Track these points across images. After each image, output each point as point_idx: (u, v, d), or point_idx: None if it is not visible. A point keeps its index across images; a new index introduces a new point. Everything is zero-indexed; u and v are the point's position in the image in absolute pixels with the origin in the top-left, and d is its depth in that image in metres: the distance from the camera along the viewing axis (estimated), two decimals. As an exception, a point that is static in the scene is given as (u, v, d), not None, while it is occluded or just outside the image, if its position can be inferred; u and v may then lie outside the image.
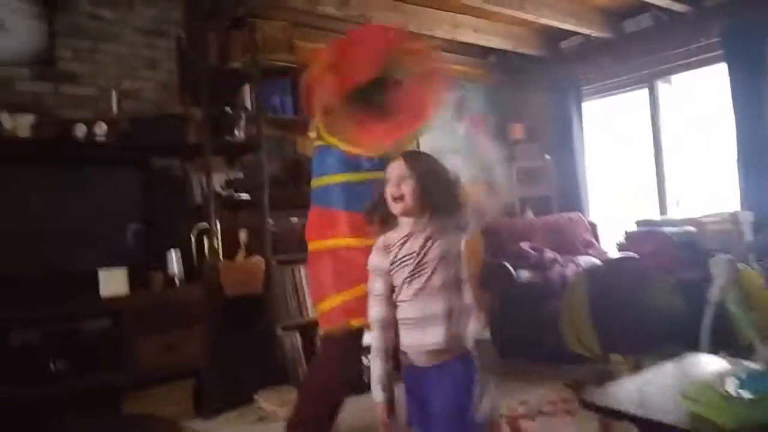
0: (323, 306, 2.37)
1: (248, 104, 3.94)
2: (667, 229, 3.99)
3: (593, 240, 4.72)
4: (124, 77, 3.69)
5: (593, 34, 4.92)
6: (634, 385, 1.64)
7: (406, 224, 1.58)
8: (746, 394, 1.21)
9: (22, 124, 3.20)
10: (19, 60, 3.36)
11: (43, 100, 3.40)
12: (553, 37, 5.25)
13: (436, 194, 1.55)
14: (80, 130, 3.31)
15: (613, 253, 4.35)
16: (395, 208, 1.56)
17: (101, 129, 3.35)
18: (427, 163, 1.61)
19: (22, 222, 3.10)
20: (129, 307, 3.08)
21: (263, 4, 3.82)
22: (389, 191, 1.56)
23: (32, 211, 3.15)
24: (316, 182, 2.48)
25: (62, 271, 3.11)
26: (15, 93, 3.33)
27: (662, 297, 3.14)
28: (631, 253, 3.90)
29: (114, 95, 3.51)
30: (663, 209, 4.87)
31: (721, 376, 1.35)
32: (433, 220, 1.55)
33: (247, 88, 3.94)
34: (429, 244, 1.53)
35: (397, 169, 1.57)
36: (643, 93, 5.08)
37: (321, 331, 2.55)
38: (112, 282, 3.10)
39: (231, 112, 3.73)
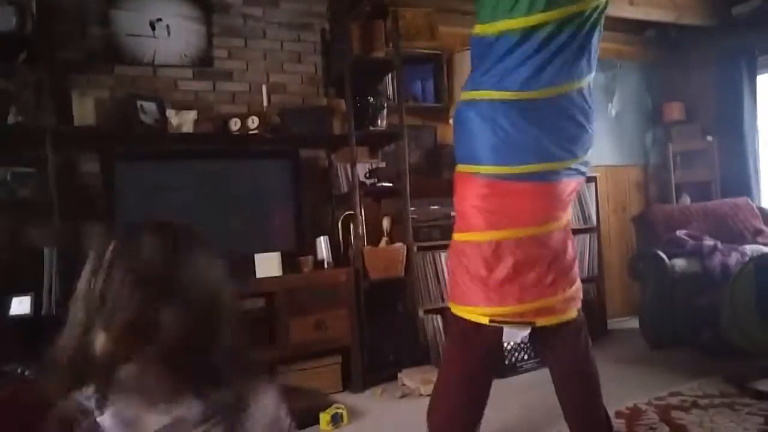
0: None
1: (390, 93, 4.14)
2: None
3: (764, 227, 4.39)
4: (272, 72, 4.02)
5: None
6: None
7: None
8: None
9: (186, 121, 3.62)
10: (182, 61, 3.80)
11: (202, 98, 3.81)
12: (722, 3, 4.90)
13: None
14: (235, 124, 3.69)
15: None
16: None
17: (253, 122, 3.69)
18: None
19: (187, 210, 3.51)
20: (282, 288, 3.39)
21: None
22: None
23: (195, 200, 3.56)
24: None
25: (223, 254, 3.49)
26: (179, 92, 3.76)
27: None
28: None
29: (264, 90, 3.85)
30: None
31: None
32: None
33: (389, 77, 4.15)
34: None
35: None
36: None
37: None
38: (267, 265, 3.42)
39: (373, 102, 3.94)
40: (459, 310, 2.13)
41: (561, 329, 2.10)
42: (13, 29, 3.08)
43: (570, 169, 2.06)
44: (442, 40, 4.17)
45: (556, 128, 2.00)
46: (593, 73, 2.10)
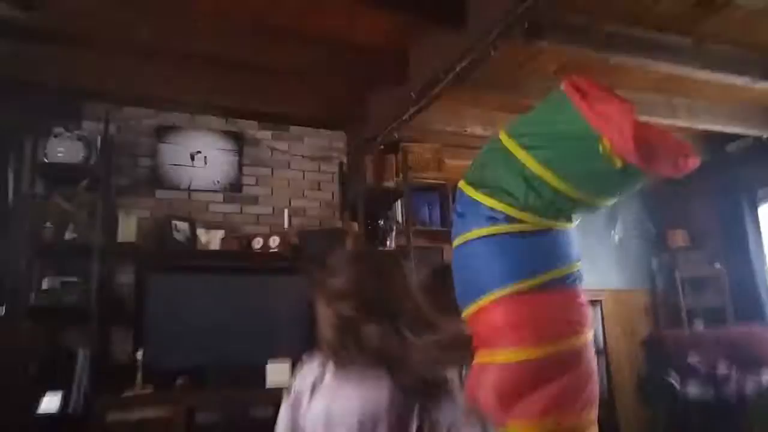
0: None
1: (399, 218, 4.59)
2: None
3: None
4: (294, 197, 4.54)
5: (764, 136, 4.80)
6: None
7: None
8: None
9: (214, 239, 4.11)
10: (215, 187, 4.35)
11: (230, 219, 4.31)
12: (716, 140, 5.19)
13: None
14: (258, 243, 4.15)
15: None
16: None
17: (275, 242, 4.15)
18: None
19: (211, 320, 3.90)
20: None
21: (415, 129, 4.47)
22: None
23: (217, 310, 3.95)
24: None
25: (239, 362, 3.85)
26: (209, 213, 4.27)
27: None
28: None
29: (286, 213, 4.34)
30: None
31: None
32: None
33: (398, 204, 4.62)
34: None
35: None
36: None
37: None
38: (277, 373, 3.73)
39: (384, 225, 4.38)
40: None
41: None
42: (81, 161, 3.70)
43: (578, 274, 2.10)
44: (447, 171, 4.65)
45: (554, 246, 2.08)
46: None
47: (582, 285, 2.14)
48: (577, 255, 2.15)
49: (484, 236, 2.09)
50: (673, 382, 4.02)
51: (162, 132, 4.27)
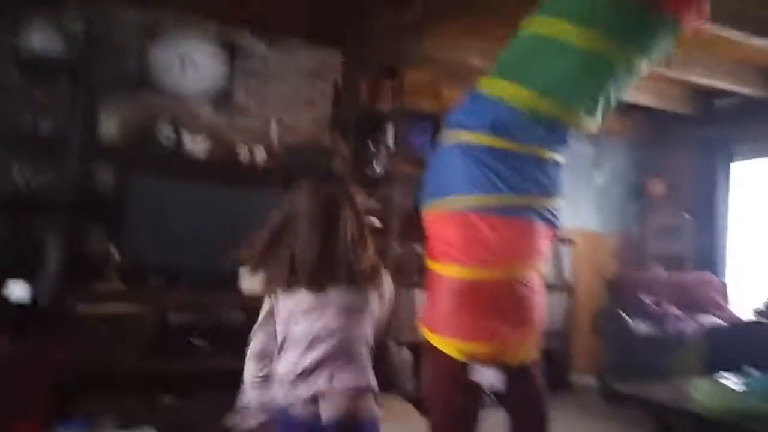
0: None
1: (390, 143, 4.55)
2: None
3: (723, 302, 4.72)
4: (285, 112, 4.43)
5: (752, 93, 4.84)
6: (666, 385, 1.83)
7: None
8: (739, 387, 1.52)
9: (200, 147, 4.02)
10: (204, 94, 4.21)
11: (218, 129, 4.21)
12: (706, 95, 5.24)
13: None
14: (244, 155, 4.09)
15: (744, 318, 4.35)
16: None
17: (261, 155, 4.09)
18: None
19: (189, 225, 3.87)
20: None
21: (413, 55, 4.37)
22: None
23: (198, 218, 3.91)
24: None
25: (214, 267, 3.87)
26: (198, 121, 4.15)
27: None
28: (765, 320, 3.92)
29: (274, 127, 4.25)
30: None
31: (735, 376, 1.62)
32: None
33: (390, 128, 4.56)
34: None
35: None
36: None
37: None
38: (251, 280, 3.76)
39: (374, 148, 4.34)
40: (434, 339, 2.23)
41: (525, 369, 2.24)
42: (61, 54, 3.53)
43: (543, 210, 2.21)
44: (444, 101, 4.59)
45: (530, 175, 2.18)
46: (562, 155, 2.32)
47: (548, 223, 2.24)
48: (550, 191, 2.22)
49: (463, 143, 2.21)
50: (625, 317, 4.21)
51: (151, 32, 4.06)
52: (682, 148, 5.70)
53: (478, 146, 2.18)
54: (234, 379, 3.60)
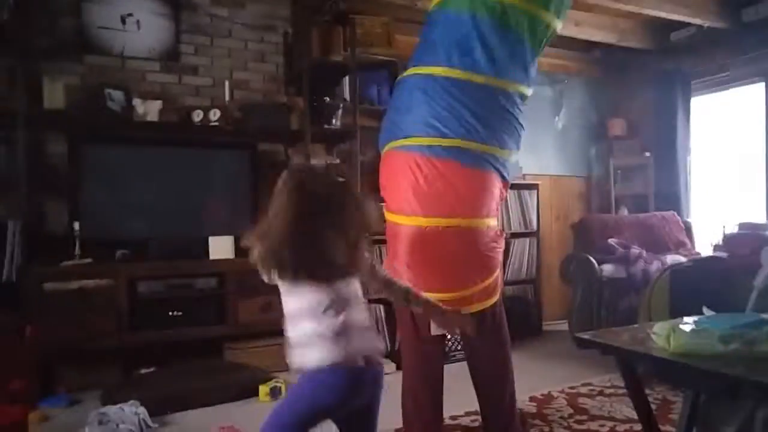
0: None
1: (347, 95, 4.42)
2: (769, 233, 3.96)
3: (686, 240, 4.72)
4: (236, 69, 4.27)
5: (707, 25, 4.77)
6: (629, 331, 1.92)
7: None
8: (692, 327, 1.57)
9: (152, 110, 3.85)
10: (151, 55, 4.02)
11: (168, 90, 4.04)
12: (662, 29, 5.17)
13: None
14: (198, 116, 3.94)
15: (705, 254, 4.37)
16: None
17: (215, 115, 3.94)
18: None
19: (150, 193, 3.76)
20: (232, 270, 3.63)
21: (364, 1, 4.21)
22: None
23: (156, 184, 3.80)
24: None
25: (181, 236, 3.77)
26: (146, 83, 3.98)
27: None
28: (721, 254, 3.95)
29: (227, 85, 4.09)
30: (770, 213, 4.77)
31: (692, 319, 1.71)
32: None
33: (346, 80, 4.42)
34: None
35: None
36: (759, 87, 4.93)
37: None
38: (220, 247, 3.68)
39: (330, 102, 4.22)
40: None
41: (480, 318, 2.21)
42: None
43: (496, 160, 2.18)
44: (398, 48, 4.46)
45: (489, 115, 2.14)
46: (529, 88, 2.29)
47: (499, 173, 2.21)
48: (493, 141, 2.17)
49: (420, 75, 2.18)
50: (591, 260, 4.21)
51: (86, -11, 3.86)
52: (641, 86, 5.63)
53: (440, 78, 2.13)
54: (211, 345, 3.59)
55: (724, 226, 4.52)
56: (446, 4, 2.23)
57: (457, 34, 2.15)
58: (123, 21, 3.96)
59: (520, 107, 2.25)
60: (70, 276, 3.27)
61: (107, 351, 3.34)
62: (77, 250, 3.39)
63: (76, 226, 3.41)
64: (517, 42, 2.17)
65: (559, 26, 2.32)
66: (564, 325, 5.01)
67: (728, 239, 4.18)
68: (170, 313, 3.51)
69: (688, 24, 4.89)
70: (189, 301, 3.57)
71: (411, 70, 2.25)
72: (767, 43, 4.68)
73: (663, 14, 4.57)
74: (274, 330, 3.66)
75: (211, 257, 3.68)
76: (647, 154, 5.47)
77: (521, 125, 2.26)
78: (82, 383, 3.22)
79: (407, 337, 2.34)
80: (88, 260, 3.40)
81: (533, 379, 3.41)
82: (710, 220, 5.20)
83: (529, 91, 2.30)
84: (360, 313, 1.59)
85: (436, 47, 2.19)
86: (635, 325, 2.11)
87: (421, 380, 2.31)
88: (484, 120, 2.13)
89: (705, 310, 1.82)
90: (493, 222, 2.24)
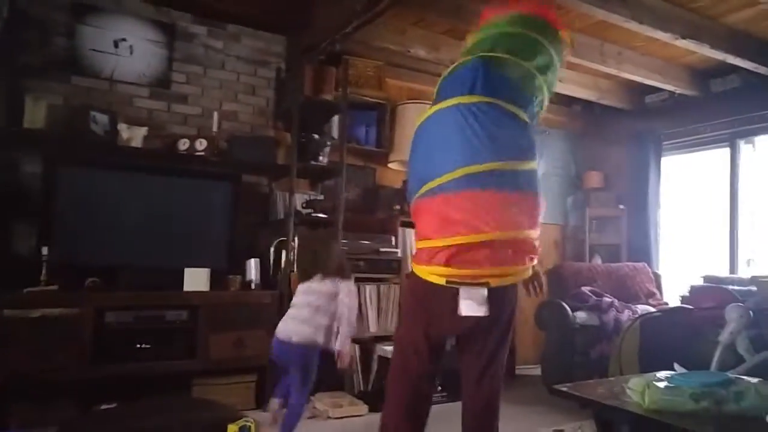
0: None
1: (335, 133, 4.17)
2: (733, 287, 3.84)
3: (656, 291, 4.63)
4: (226, 100, 4.02)
5: (678, 92, 4.82)
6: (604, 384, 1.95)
7: None
8: (665, 384, 1.60)
9: (136, 136, 3.57)
10: (140, 80, 3.75)
11: (156, 117, 3.77)
12: (638, 90, 5.18)
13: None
14: (183, 144, 3.65)
15: (673, 305, 4.24)
16: None
17: (201, 144, 3.67)
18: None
19: (127, 220, 3.43)
20: (207, 303, 3.32)
21: (358, 44, 4.02)
22: None
23: (136, 212, 3.48)
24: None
25: (155, 266, 3.43)
26: (133, 108, 3.71)
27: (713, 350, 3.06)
28: (687, 306, 3.82)
29: (216, 116, 3.83)
30: (733, 268, 4.67)
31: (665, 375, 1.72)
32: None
33: (335, 118, 4.19)
34: None
35: None
36: (725, 152, 4.92)
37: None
38: (195, 280, 3.35)
39: (318, 139, 3.96)
40: (419, 270, 1.99)
41: (508, 292, 1.99)
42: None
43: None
44: (388, 91, 4.25)
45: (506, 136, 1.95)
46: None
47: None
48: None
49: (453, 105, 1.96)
50: (566, 307, 4.04)
51: (81, 10, 3.60)
52: (617, 142, 5.55)
53: (463, 106, 1.93)
54: (179, 380, 3.23)
55: (690, 279, 4.43)
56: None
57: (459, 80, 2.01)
58: (116, 45, 3.70)
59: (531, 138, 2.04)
60: (33, 303, 2.91)
61: (67, 384, 2.96)
62: (43, 276, 3.03)
63: (45, 250, 3.07)
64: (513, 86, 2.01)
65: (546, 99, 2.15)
66: (536, 370, 4.76)
67: (694, 291, 4.12)
68: (138, 346, 3.15)
69: (662, 89, 4.92)
70: (158, 334, 3.22)
71: (431, 109, 2.04)
72: (732, 112, 4.71)
73: (638, 78, 4.61)
74: (246, 366, 3.39)
75: (186, 289, 3.35)
76: (621, 206, 5.37)
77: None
78: (38, 418, 2.84)
79: (403, 370, 2.08)
80: (54, 287, 3.04)
81: (505, 422, 3.09)
82: (677, 272, 5.12)
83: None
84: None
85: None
86: (611, 378, 2.23)
87: (405, 417, 2.05)
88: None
89: (676, 366, 1.84)
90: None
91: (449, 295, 1.92)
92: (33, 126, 3.23)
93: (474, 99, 1.93)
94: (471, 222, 1.87)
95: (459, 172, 1.88)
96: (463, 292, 1.91)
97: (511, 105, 1.96)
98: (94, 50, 3.62)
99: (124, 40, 3.71)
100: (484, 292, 1.91)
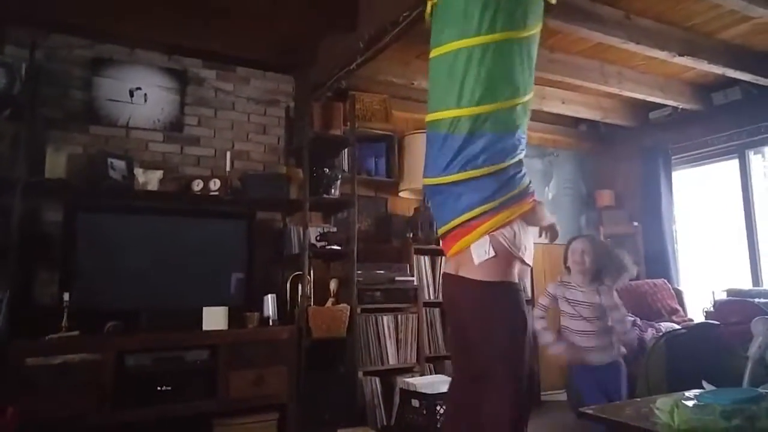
0: None
1: (345, 166, 4.12)
2: (758, 300, 3.66)
3: (678, 307, 4.42)
4: (238, 140, 3.98)
5: (681, 107, 4.73)
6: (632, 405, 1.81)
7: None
8: (694, 402, 1.49)
9: (152, 179, 3.53)
10: (155, 126, 3.74)
11: (170, 159, 3.74)
12: (641, 107, 5.08)
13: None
14: (197, 185, 3.61)
15: (698, 321, 4.05)
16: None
17: (215, 185, 3.62)
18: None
19: (145, 263, 3.37)
20: (226, 341, 3.21)
21: (364, 79, 4.00)
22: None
23: (154, 254, 3.42)
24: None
25: (174, 306, 3.36)
26: (148, 152, 3.68)
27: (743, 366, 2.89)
28: (713, 321, 3.65)
29: (228, 156, 3.79)
30: (756, 280, 4.46)
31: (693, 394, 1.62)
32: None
33: (345, 152, 4.14)
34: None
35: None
36: (734, 163, 4.78)
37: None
38: (214, 318, 3.26)
39: (329, 173, 3.90)
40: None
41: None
42: (2, 88, 3.03)
43: None
44: (395, 122, 4.20)
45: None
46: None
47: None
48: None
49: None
50: None
51: (98, 64, 3.61)
52: (626, 159, 5.43)
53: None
54: (200, 421, 3.12)
55: (713, 293, 4.24)
56: None
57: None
58: (131, 94, 3.70)
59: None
60: (55, 350, 2.83)
61: (89, 430, 2.86)
62: (65, 322, 2.97)
63: (66, 296, 3.01)
64: None
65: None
66: (562, 395, 4.57)
67: (718, 306, 3.93)
68: (158, 388, 3.03)
69: (665, 105, 4.83)
70: (179, 375, 3.10)
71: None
72: (737, 124, 4.61)
73: (640, 96, 4.53)
74: (267, 404, 3.27)
75: (204, 328, 3.25)
76: (635, 223, 5.19)
77: None
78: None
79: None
80: (75, 333, 2.97)
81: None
82: (699, 286, 4.90)
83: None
84: None
85: None
86: (637, 399, 2.06)
87: None
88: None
89: (705, 384, 1.76)
90: None
91: None
92: (54, 176, 3.21)
93: None
94: None
95: None
96: None
97: None
98: (110, 100, 3.62)
99: (139, 89, 3.72)
100: None
